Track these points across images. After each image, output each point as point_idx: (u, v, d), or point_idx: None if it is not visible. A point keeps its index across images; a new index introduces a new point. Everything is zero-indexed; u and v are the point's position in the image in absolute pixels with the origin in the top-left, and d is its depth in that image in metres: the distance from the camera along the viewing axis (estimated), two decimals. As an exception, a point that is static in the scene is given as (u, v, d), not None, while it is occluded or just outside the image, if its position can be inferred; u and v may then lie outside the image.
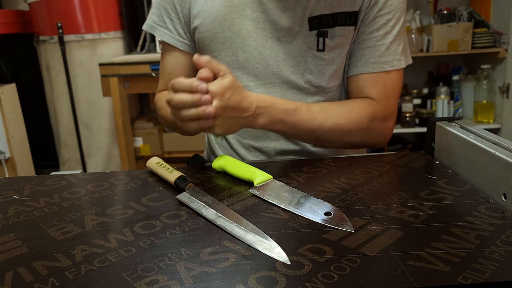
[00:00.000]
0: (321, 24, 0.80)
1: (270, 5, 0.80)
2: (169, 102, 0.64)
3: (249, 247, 0.47)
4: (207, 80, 0.64)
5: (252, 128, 0.75)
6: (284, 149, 0.88)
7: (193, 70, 0.93)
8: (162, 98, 0.90)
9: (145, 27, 0.91)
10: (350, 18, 0.80)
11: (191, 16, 0.85)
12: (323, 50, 0.81)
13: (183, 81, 0.63)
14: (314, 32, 0.80)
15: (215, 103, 0.63)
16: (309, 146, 0.88)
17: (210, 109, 0.63)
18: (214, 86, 0.63)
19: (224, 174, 0.69)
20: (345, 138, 0.81)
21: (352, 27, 0.81)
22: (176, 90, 0.63)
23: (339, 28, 0.80)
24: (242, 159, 0.90)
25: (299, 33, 0.81)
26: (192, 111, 0.63)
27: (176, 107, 0.63)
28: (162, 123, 0.93)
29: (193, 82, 0.62)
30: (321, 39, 0.80)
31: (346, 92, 0.89)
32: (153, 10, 0.90)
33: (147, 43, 2.63)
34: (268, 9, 0.80)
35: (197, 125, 0.64)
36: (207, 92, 0.63)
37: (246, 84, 0.84)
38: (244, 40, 0.82)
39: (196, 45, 0.88)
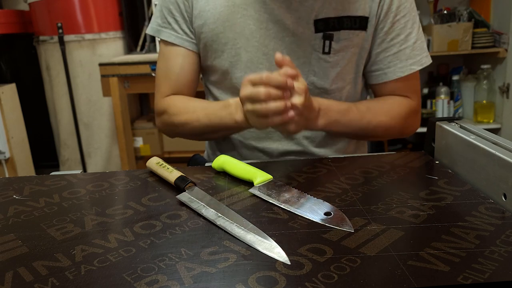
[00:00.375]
0: (327, 27, 0.80)
1: (273, 5, 0.80)
2: (251, 96, 0.66)
3: (249, 247, 0.47)
4: (293, 78, 0.66)
5: (311, 129, 0.77)
6: (286, 150, 0.88)
7: (199, 70, 0.92)
8: (179, 104, 0.86)
9: (149, 31, 0.89)
10: (356, 23, 0.80)
11: (193, 16, 0.85)
12: (329, 53, 0.81)
13: (275, 76, 0.65)
14: (320, 34, 0.80)
15: (300, 100, 0.65)
16: (310, 147, 0.88)
17: (295, 101, 0.65)
18: (300, 84, 0.66)
19: (224, 174, 0.69)
20: (387, 133, 0.86)
21: (358, 31, 0.81)
22: (260, 84, 0.65)
23: (344, 32, 0.80)
24: (244, 159, 0.90)
25: (303, 34, 0.81)
26: (280, 103, 0.64)
27: (264, 99, 0.64)
28: (174, 129, 0.88)
29: (283, 78, 0.64)
30: (327, 42, 0.81)
31: (355, 95, 0.90)
32: (156, 13, 0.88)
33: (147, 43, 2.63)
34: (271, 9, 0.80)
35: (280, 118, 0.66)
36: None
37: None
38: (247, 40, 0.82)
39: (197, 44, 0.87)
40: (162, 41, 0.89)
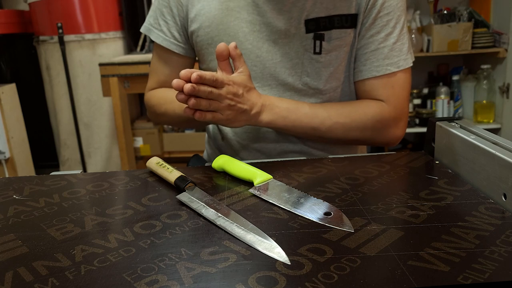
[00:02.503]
0: (317, 27, 0.80)
1: (266, 7, 0.80)
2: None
3: (249, 247, 0.47)
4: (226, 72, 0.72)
5: (256, 125, 0.78)
6: (284, 150, 0.88)
7: None
8: (159, 94, 0.92)
9: (142, 29, 0.93)
10: (347, 21, 0.80)
11: (188, 20, 0.86)
12: (320, 53, 0.81)
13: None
14: (311, 34, 0.80)
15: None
16: (309, 147, 0.88)
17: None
18: (235, 78, 0.71)
19: (224, 174, 0.69)
20: (349, 136, 0.82)
21: (349, 30, 0.81)
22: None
23: (335, 31, 0.80)
24: (242, 160, 0.90)
25: (296, 35, 0.81)
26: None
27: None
28: (158, 120, 0.96)
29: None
30: (318, 42, 0.80)
31: (349, 94, 0.89)
32: (151, 12, 0.91)
33: (147, 43, 2.63)
34: (264, 11, 0.80)
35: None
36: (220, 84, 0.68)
37: None
38: (240, 43, 0.82)
39: (194, 48, 0.89)
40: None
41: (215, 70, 0.87)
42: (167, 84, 0.93)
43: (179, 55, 0.90)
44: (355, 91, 0.88)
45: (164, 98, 0.90)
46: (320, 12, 0.79)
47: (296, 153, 0.88)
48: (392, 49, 0.81)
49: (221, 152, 0.93)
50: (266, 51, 0.82)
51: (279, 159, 0.79)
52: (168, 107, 0.88)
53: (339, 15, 0.79)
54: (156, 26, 0.89)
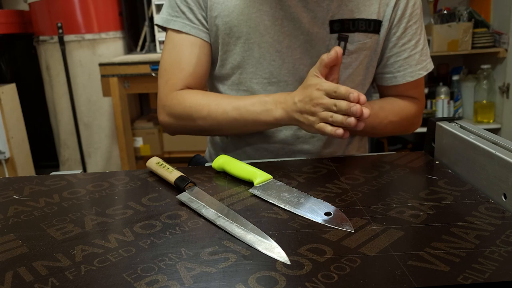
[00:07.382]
0: (342, 28, 0.81)
1: (289, 3, 0.79)
2: (329, 106, 0.69)
3: (249, 247, 0.47)
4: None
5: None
6: (292, 150, 0.88)
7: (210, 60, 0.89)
8: (197, 95, 0.83)
9: (159, 21, 0.86)
10: (370, 26, 0.82)
11: (208, 6, 0.82)
12: (343, 54, 0.81)
13: (352, 91, 0.67)
14: (335, 35, 0.81)
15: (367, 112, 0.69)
16: (316, 146, 0.88)
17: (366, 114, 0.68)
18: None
19: (224, 174, 0.69)
20: (394, 132, 0.90)
21: (371, 34, 0.82)
22: (339, 97, 0.68)
23: (359, 34, 0.81)
24: (248, 158, 0.89)
25: (318, 34, 0.81)
26: (353, 119, 0.68)
27: (343, 112, 0.68)
28: (195, 124, 0.83)
29: (356, 96, 0.67)
30: (342, 43, 0.82)
31: (368, 94, 0.92)
32: (166, 4, 0.86)
33: (147, 43, 2.62)
34: (287, 6, 0.80)
35: (341, 131, 0.69)
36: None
37: (259, 81, 0.84)
38: (261, 36, 0.81)
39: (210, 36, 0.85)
40: (173, 31, 0.85)
41: (229, 62, 0.84)
42: (193, 76, 0.84)
43: (205, 42, 0.84)
44: (384, 92, 0.92)
45: (207, 101, 0.81)
46: (344, 14, 0.80)
47: (304, 154, 0.88)
48: (421, 54, 0.86)
49: (225, 150, 0.93)
50: (286, 47, 0.81)
51: (279, 159, 0.79)
52: (215, 109, 0.80)
53: (364, 19, 0.81)
54: (178, 14, 0.83)
